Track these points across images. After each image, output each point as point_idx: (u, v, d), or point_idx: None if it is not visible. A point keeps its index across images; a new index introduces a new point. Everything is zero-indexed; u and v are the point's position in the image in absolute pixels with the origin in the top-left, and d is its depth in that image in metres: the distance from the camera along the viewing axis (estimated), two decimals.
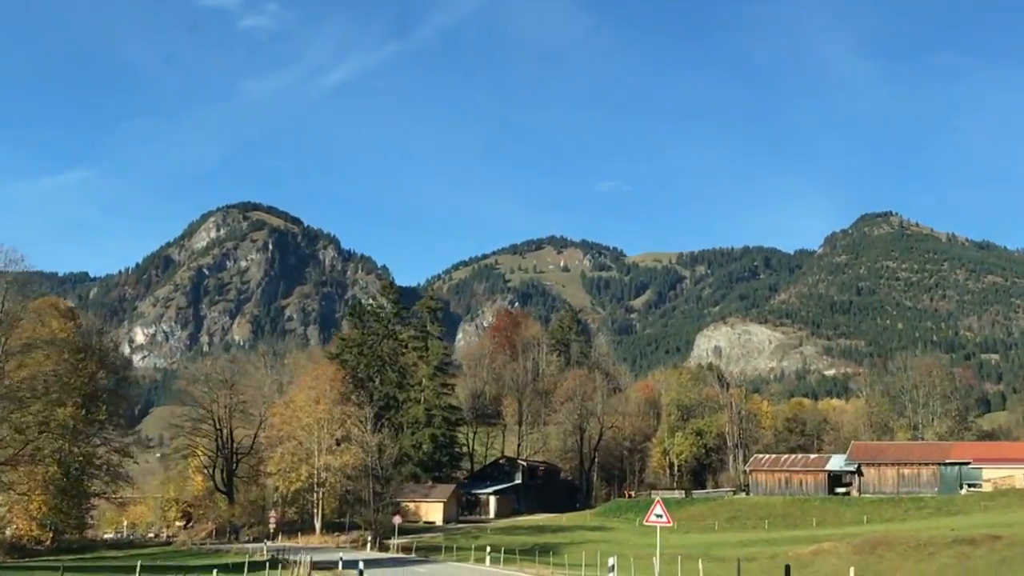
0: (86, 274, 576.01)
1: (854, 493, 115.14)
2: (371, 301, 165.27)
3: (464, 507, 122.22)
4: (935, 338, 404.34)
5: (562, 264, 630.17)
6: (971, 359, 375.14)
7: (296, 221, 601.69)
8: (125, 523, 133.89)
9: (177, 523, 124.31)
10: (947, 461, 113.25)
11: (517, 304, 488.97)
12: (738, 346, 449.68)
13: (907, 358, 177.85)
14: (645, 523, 37.50)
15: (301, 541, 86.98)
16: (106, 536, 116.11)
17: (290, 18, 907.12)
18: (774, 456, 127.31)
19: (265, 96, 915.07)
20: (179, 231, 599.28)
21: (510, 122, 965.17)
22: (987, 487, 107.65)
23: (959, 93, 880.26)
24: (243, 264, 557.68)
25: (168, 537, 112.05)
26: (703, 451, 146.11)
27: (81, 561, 66.14)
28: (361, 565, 48.04)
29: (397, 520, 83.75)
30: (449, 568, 56.88)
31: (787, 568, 40.31)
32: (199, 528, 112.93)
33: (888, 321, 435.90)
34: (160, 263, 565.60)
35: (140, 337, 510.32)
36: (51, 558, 71.71)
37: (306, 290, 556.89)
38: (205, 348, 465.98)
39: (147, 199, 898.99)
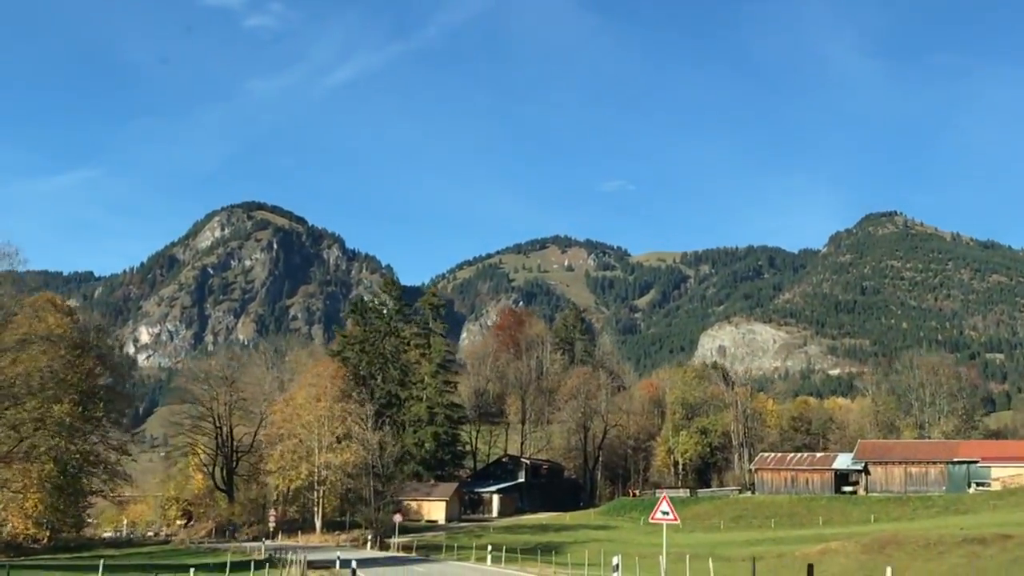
0: (91, 274, 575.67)
1: (861, 492, 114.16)
2: (373, 299, 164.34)
3: (467, 506, 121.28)
4: (939, 337, 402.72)
5: (566, 263, 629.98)
6: (976, 359, 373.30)
7: (300, 220, 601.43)
8: (125, 522, 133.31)
9: (177, 522, 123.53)
10: (955, 460, 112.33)
11: (521, 303, 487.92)
12: (742, 345, 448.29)
13: (913, 357, 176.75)
14: (651, 520, 36.40)
15: (301, 540, 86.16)
16: (105, 535, 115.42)
17: (294, 18, 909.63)
18: (780, 455, 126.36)
19: (269, 95, 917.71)
20: (184, 230, 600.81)
21: (514, 121, 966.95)
22: (996, 486, 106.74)
23: (962, 92, 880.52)
24: (247, 263, 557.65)
25: (167, 536, 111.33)
26: (708, 450, 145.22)
27: (79, 559, 65.31)
28: (354, 564, 46.81)
29: (398, 519, 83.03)
30: (449, 567, 55.78)
31: (810, 568, 39.17)
32: (199, 527, 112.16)
33: (892, 321, 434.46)
34: (165, 262, 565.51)
35: (145, 336, 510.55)
36: (47, 556, 70.94)
37: (310, 289, 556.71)
38: (210, 347, 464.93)
39: (152, 198, 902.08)
